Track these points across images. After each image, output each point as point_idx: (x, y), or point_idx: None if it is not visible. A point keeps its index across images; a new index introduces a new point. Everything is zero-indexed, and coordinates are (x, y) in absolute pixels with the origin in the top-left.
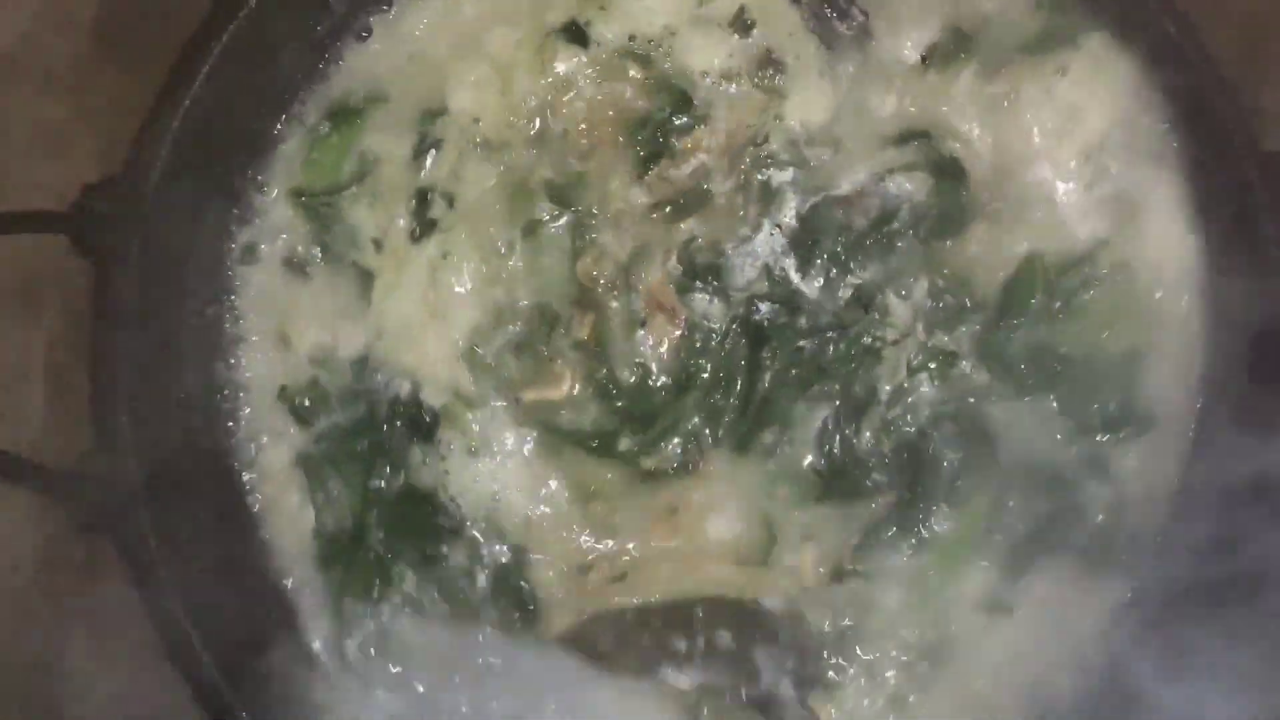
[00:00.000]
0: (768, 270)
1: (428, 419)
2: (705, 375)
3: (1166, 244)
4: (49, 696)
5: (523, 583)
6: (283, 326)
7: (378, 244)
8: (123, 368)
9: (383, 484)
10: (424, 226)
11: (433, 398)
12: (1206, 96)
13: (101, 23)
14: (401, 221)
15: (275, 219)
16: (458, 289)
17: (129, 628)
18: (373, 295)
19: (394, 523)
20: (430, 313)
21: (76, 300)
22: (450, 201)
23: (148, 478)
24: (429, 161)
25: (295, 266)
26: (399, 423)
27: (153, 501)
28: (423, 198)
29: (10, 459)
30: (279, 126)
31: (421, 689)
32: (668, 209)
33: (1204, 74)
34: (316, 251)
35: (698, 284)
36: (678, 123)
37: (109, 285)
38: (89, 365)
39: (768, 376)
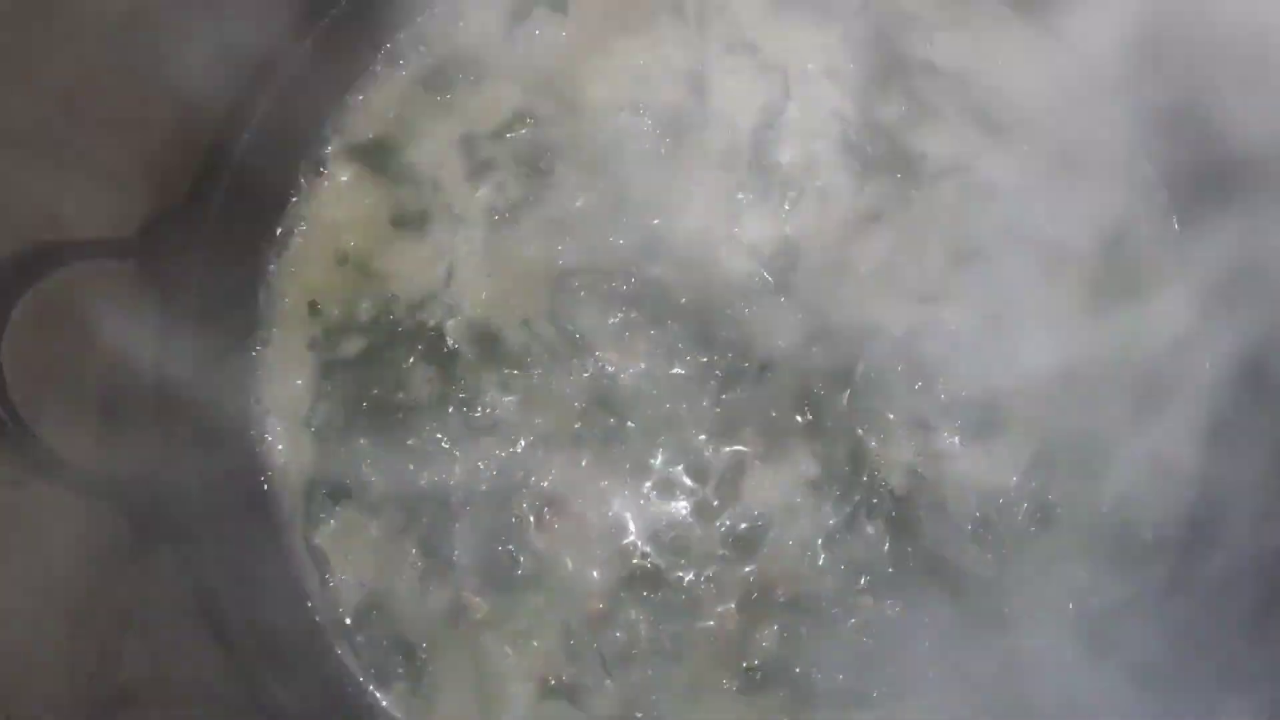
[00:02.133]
0: None
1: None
2: None
3: None
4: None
5: None
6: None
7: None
8: (185, 386)
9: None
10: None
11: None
12: None
13: (159, 67)
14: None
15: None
16: None
17: (185, 637)
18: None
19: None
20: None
21: (137, 324)
22: None
23: (205, 491)
24: None
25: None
26: (419, 346)
27: (211, 514)
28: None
29: (73, 470)
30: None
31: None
32: None
33: None
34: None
35: None
36: None
37: (172, 307)
38: (155, 388)
39: None
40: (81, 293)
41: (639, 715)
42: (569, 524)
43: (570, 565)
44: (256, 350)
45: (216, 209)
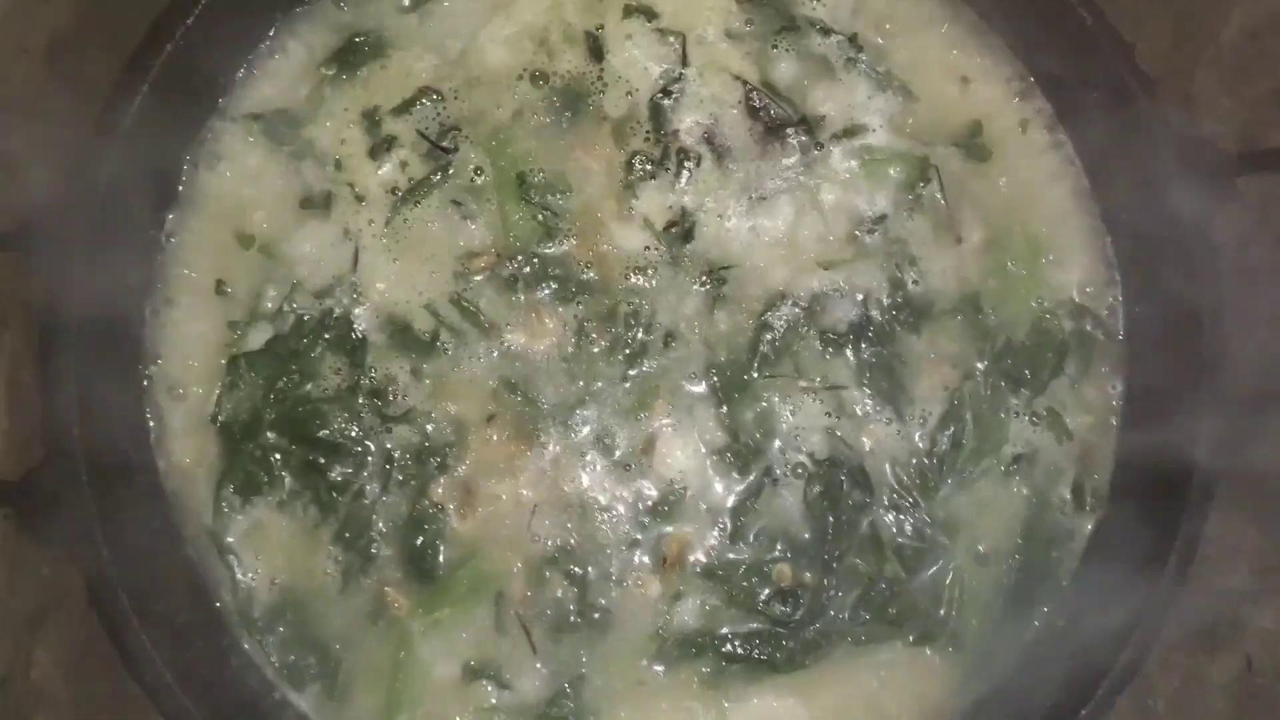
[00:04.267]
0: None
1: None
2: None
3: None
4: (14, 711)
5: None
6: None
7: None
8: (71, 381)
9: (288, 384)
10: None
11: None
12: (1122, 84)
13: (53, 49)
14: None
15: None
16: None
17: (89, 639)
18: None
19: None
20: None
21: (30, 319)
22: None
23: (96, 486)
24: None
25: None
26: (325, 335)
27: (108, 514)
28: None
29: None
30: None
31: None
32: None
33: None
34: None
35: None
36: None
37: (58, 302)
38: (41, 381)
39: None
40: None
41: (566, 688)
42: (487, 507)
43: (491, 549)
44: (154, 342)
45: (104, 189)
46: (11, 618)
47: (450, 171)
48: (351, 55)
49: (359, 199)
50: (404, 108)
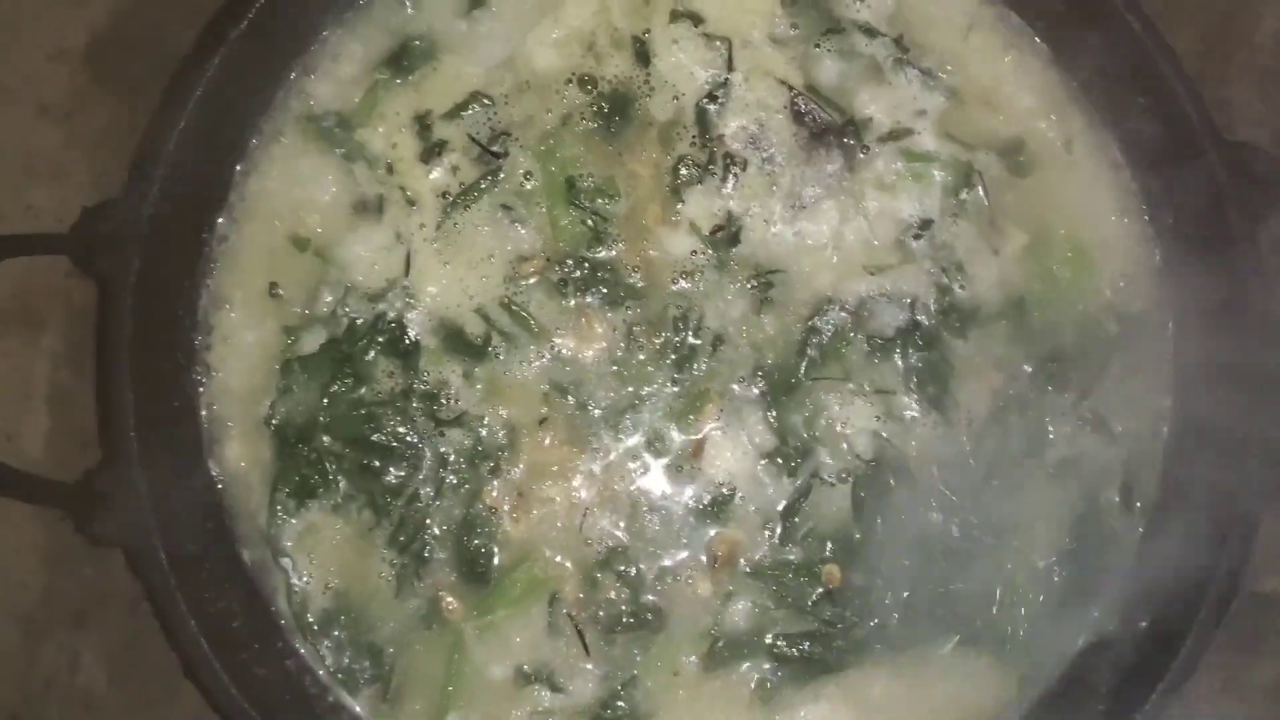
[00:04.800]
0: None
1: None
2: None
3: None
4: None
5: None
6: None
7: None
8: (126, 384)
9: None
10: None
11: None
12: (1170, 91)
13: (94, 51)
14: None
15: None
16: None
17: (141, 641)
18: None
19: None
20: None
21: (79, 321)
22: None
23: (152, 488)
24: None
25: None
26: (379, 339)
27: (161, 514)
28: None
29: (19, 475)
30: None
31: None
32: None
33: (1167, 69)
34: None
35: None
36: None
37: (110, 304)
38: (94, 384)
39: None
40: (20, 291)
41: (619, 689)
42: (540, 510)
43: (544, 551)
44: (207, 345)
45: (155, 198)
46: (56, 621)
47: (500, 176)
48: (405, 58)
49: (410, 203)
50: (455, 111)
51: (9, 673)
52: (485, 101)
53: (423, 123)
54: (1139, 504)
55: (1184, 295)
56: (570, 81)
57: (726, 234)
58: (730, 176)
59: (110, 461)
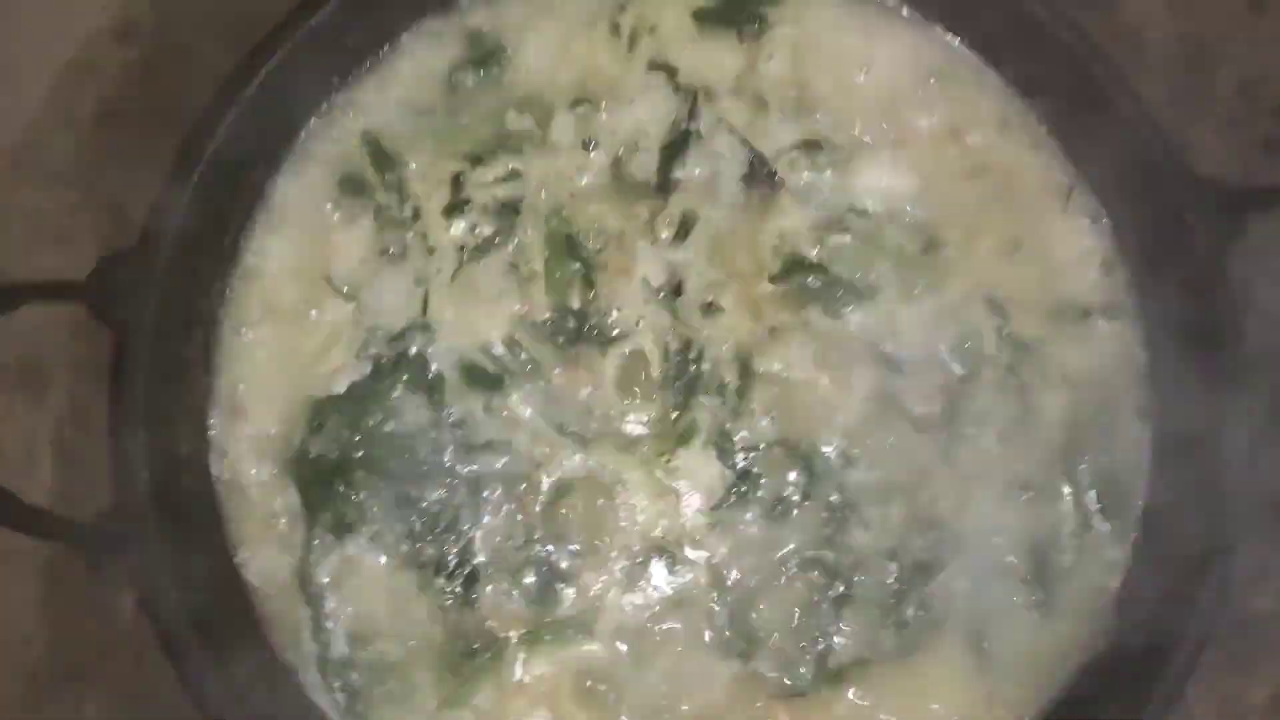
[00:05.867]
0: None
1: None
2: None
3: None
4: None
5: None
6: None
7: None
8: (140, 428)
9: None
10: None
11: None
12: (1141, 137)
13: (104, 118)
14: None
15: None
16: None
17: (147, 694)
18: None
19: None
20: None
21: (85, 378)
22: None
23: (166, 529)
24: None
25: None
26: (403, 376)
27: (174, 554)
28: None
29: (32, 511)
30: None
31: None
32: None
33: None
34: None
35: None
36: None
37: (127, 350)
38: (111, 427)
39: None
40: (35, 336)
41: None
42: (587, 518)
43: (589, 565)
44: (229, 386)
45: (173, 242)
46: (59, 674)
47: (510, 232)
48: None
49: (430, 251)
50: (479, 161)
51: None
52: (511, 143)
53: (453, 181)
54: (1124, 525)
55: (1159, 322)
56: (578, 147)
57: (668, 286)
58: (677, 225)
59: (123, 504)
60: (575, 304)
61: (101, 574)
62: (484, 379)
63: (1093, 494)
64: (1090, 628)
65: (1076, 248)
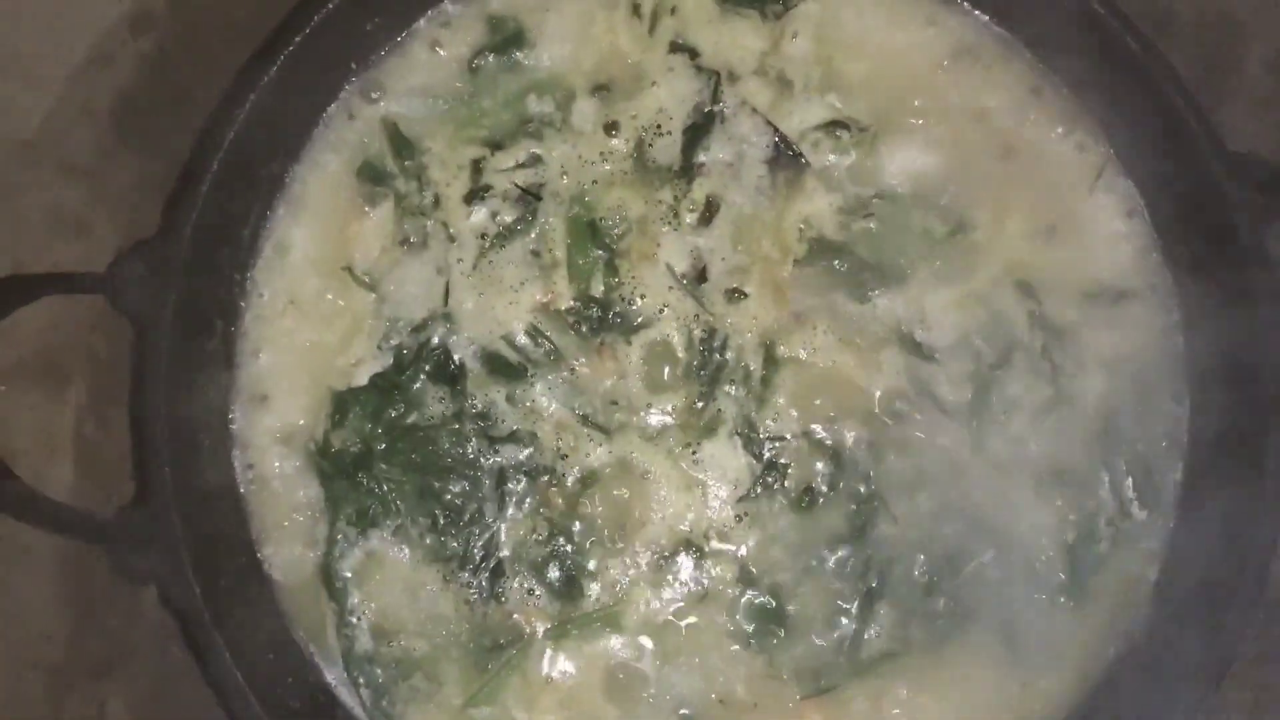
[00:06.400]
0: None
1: (454, 368)
2: None
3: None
4: None
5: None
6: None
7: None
8: (161, 420)
9: (395, 415)
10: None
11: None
12: (1174, 111)
13: (119, 110)
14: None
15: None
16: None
17: (168, 689)
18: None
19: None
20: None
21: (103, 372)
22: None
23: (188, 523)
24: None
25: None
26: (425, 367)
27: (195, 547)
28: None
29: (56, 506)
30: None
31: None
32: None
33: (1169, 89)
34: None
35: None
36: None
37: (145, 341)
38: (131, 420)
39: None
40: (55, 329)
41: (684, 713)
42: (612, 510)
43: (615, 559)
44: (250, 378)
45: (189, 241)
46: (81, 671)
47: (533, 219)
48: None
49: (451, 239)
50: (499, 147)
51: None
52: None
53: (474, 167)
54: (1161, 515)
55: (1196, 303)
56: (599, 131)
57: (693, 271)
58: (702, 210)
59: (144, 497)
60: (598, 292)
61: (123, 569)
62: (506, 369)
63: (1129, 481)
64: (1127, 618)
65: (1109, 229)
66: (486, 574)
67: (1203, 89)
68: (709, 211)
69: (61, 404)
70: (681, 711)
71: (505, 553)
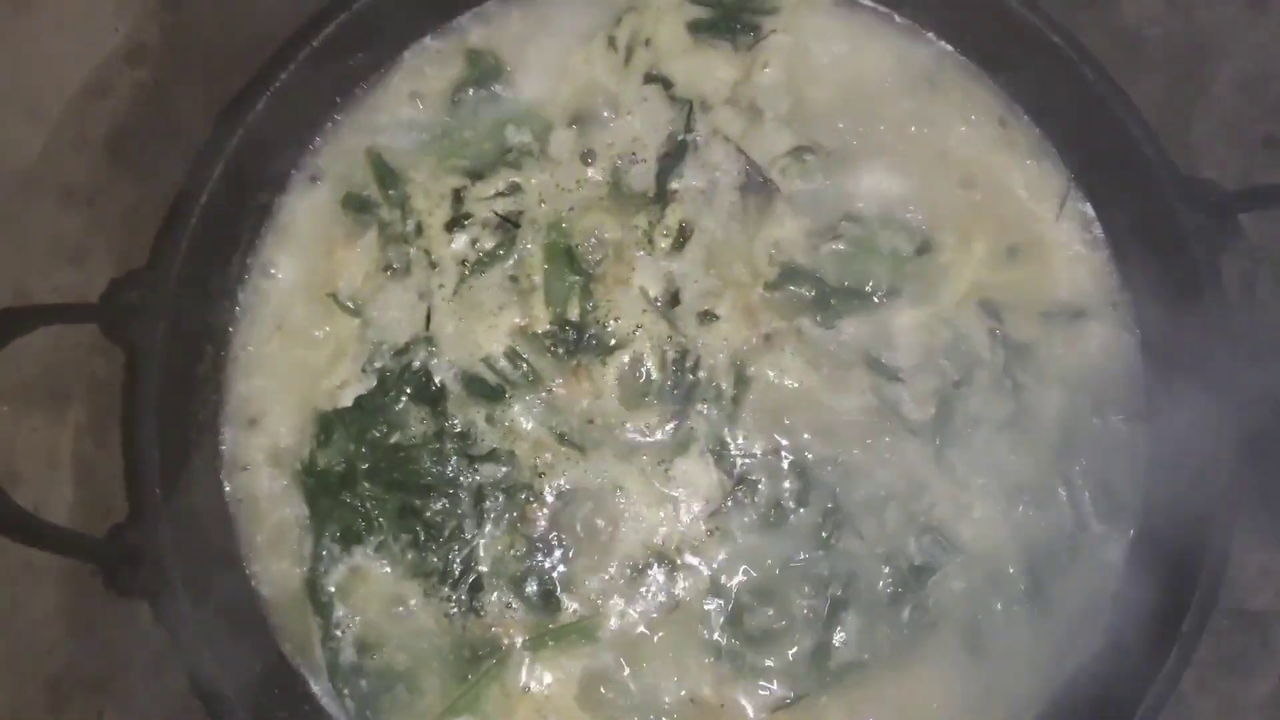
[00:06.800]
0: None
1: (435, 389)
2: None
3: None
4: None
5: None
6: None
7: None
8: (152, 443)
9: (379, 435)
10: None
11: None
12: (1130, 138)
13: (114, 139)
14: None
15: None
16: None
17: (165, 700)
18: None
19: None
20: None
21: (101, 394)
22: None
23: (178, 542)
24: None
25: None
26: (407, 389)
27: (185, 565)
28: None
29: (51, 529)
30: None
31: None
32: None
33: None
34: None
35: None
36: None
37: (138, 368)
38: (121, 444)
39: None
40: (53, 356)
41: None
42: (587, 526)
43: (590, 573)
44: (239, 399)
45: (179, 269)
46: (81, 684)
47: (511, 245)
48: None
49: (433, 265)
50: (479, 176)
51: None
52: (512, 157)
53: (455, 196)
54: (1119, 524)
55: (1153, 323)
56: (576, 160)
57: (666, 294)
58: (674, 235)
59: (137, 517)
60: (574, 315)
61: (117, 586)
62: (486, 390)
63: (1087, 495)
64: (1087, 626)
65: (1070, 250)
66: (466, 588)
67: (1171, 112)
68: (682, 236)
69: (62, 425)
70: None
71: (484, 568)
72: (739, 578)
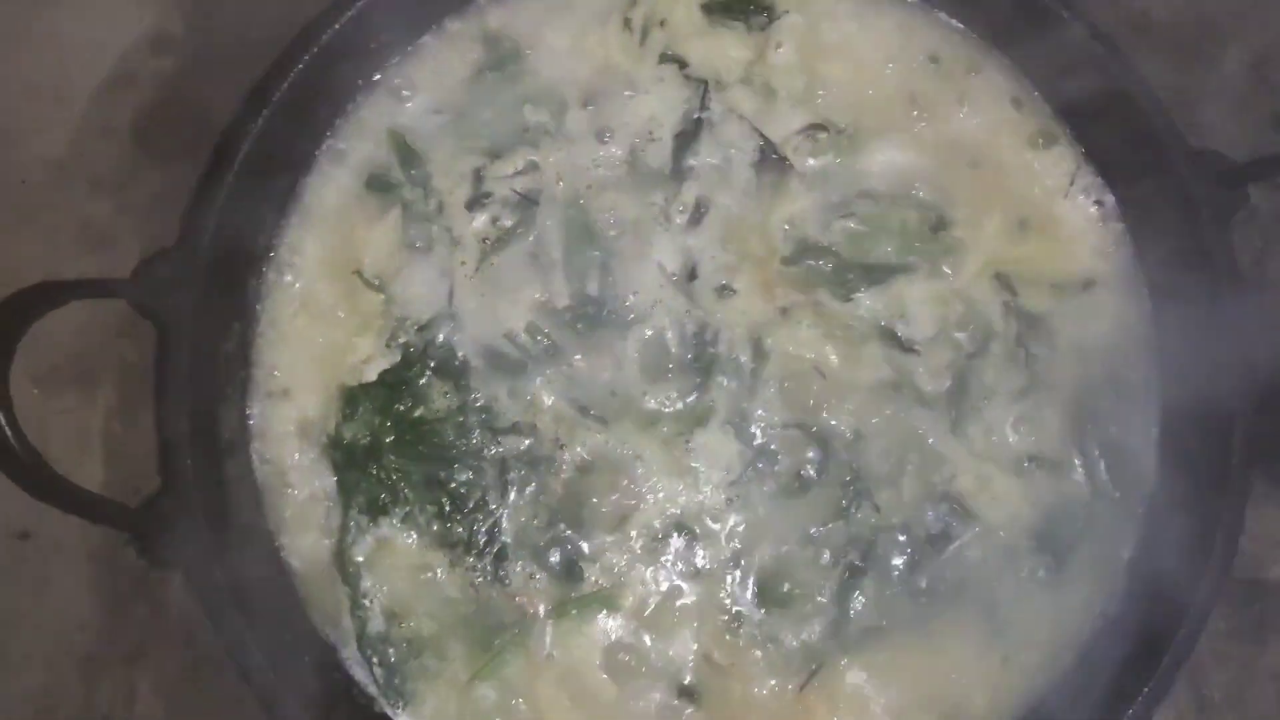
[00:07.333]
0: None
1: (457, 364)
2: None
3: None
4: None
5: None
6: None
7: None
8: (183, 415)
9: (403, 409)
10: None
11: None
12: (1140, 111)
13: (140, 127)
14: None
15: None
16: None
17: (197, 673)
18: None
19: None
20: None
21: (131, 375)
22: None
23: (210, 514)
24: None
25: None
26: (430, 363)
27: (217, 538)
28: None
29: (87, 495)
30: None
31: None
32: None
33: (1136, 90)
34: None
35: None
36: None
37: (168, 343)
38: (156, 413)
39: None
40: (84, 335)
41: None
42: (608, 496)
43: (612, 542)
44: (266, 373)
45: (208, 247)
46: (113, 658)
47: (531, 222)
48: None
49: (455, 243)
50: (498, 155)
51: (69, 709)
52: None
53: (476, 175)
54: (1133, 493)
55: (1164, 292)
56: (593, 138)
57: (685, 271)
58: (692, 212)
59: (169, 488)
60: (594, 290)
61: (150, 556)
62: (507, 365)
63: (1103, 464)
64: (1103, 595)
65: (1081, 222)
66: (490, 558)
67: (1180, 91)
68: (698, 213)
69: (92, 406)
70: (675, 685)
71: (508, 538)
72: (758, 547)
